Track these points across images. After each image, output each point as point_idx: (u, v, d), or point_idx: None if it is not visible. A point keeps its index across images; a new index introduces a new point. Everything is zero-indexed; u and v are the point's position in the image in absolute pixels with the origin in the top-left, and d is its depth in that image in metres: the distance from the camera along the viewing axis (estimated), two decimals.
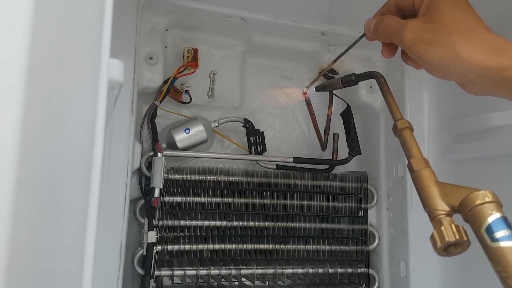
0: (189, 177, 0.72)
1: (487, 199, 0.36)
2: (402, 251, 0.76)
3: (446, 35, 0.39)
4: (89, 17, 0.29)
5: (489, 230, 0.34)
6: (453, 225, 0.37)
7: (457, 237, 0.36)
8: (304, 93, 0.78)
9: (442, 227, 0.37)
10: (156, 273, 0.68)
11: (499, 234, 0.34)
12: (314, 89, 0.67)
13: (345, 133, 0.82)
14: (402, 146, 0.44)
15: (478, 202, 0.36)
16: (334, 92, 0.82)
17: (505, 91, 0.38)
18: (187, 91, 0.77)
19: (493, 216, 0.35)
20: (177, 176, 0.71)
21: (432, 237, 0.38)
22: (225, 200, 0.73)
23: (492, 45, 0.38)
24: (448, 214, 0.38)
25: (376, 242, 0.81)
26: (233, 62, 0.82)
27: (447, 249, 0.38)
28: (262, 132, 0.78)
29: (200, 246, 0.71)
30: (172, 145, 0.72)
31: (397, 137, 0.46)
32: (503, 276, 0.33)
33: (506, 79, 0.37)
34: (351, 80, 0.57)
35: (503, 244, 0.33)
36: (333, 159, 0.81)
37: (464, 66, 0.38)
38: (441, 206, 0.38)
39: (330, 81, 0.60)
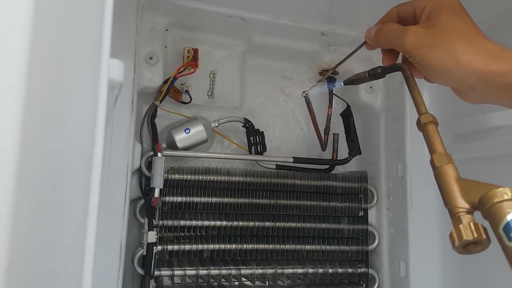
0: (189, 177, 0.72)
1: (506, 197, 0.35)
2: (402, 251, 0.76)
3: (447, 40, 0.39)
4: (89, 17, 0.29)
5: (507, 229, 0.34)
6: (472, 223, 0.36)
7: (475, 235, 0.36)
8: (304, 93, 0.78)
9: (461, 225, 0.36)
10: (156, 273, 0.68)
11: None
12: (342, 83, 0.66)
13: (345, 133, 0.82)
14: (425, 141, 0.44)
15: (496, 200, 0.35)
16: (334, 92, 0.82)
17: (503, 96, 0.39)
18: (187, 91, 0.77)
19: (511, 215, 0.34)
20: (177, 176, 0.71)
21: (451, 235, 0.37)
22: (225, 200, 0.73)
23: (491, 51, 0.38)
24: (468, 212, 0.37)
25: (376, 242, 0.81)
26: (233, 62, 0.82)
27: (466, 247, 0.37)
28: (262, 132, 0.78)
29: (200, 246, 0.71)
30: (172, 145, 0.72)
31: (420, 132, 0.45)
32: None
33: (504, 84, 0.38)
34: (378, 73, 0.56)
35: None
36: (333, 159, 0.81)
37: (465, 70, 0.39)
38: (461, 204, 0.38)
39: (357, 75, 0.60)
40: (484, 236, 0.35)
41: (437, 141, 0.43)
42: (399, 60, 0.48)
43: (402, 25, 0.45)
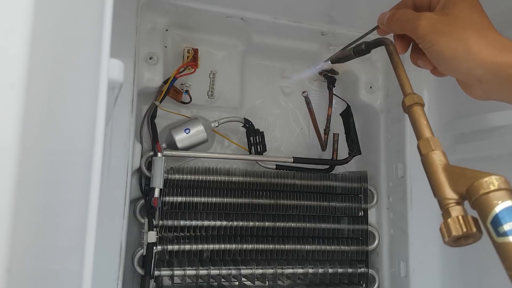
0: (189, 177, 0.72)
1: (492, 187, 0.32)
2: (402, 251, 0.76)
3: (460, 29, 0.39)
4: (89, 17, 0.29)
5: (495, 223, 0.31)
6: (460, 217, 0.34)
7: (464, 230, 0.34)
8: (304, 93, 0.78)
9: (449, 219, 0.34)
10: (156, 273, 0.68)
11: (506, 227, 0.31)
12: (329, 62, 0.63)
13: (345, 133, 0.82)
14: (411, 125, 0.41)
15: (482, 191, 0.32)
16: (334, 92, 0.82)
17: (511, 90, 0.38)
18: (187, 91, 0.77)
19: (500, 207, 0.31)
20: (177, 176, 0.71)
21: (440, 229, 0.35)
22: (225, 200, 0.73)
23: (502, 44, 0.38)
24: (458, 203, 0.35)
25: (376, 242, 0.81)
26: (233, 62, 0.81)
27: (457, 241, 0.35)
28: (262, 132, 0.78)
29: (200, 246, 0.71)
30: (172, 145, 0.72)
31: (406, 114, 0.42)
32: (510, 275, 0.30)
33: None
34: (362, 49, 0.54)
35: (508, 239, 0.30)
36: (333, 159, 0.81)
37: (474, 60, 0.38)
38: (450, 195, 0.35)
39: (343, 52, 0.58)
40: (474, 229, 0.33)
41: (422, 124, 0.40)
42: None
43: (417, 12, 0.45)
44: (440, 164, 0.37)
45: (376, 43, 0.51)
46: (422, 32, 0.41)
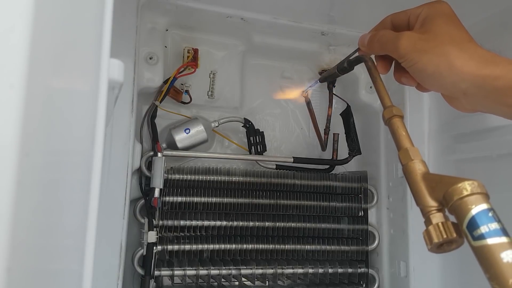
0: (189, 177, 0.72)
1: (465, 192, 0.33)
2: (402, 251, 0.76)
3: (441, 45, 0.40)
4: (89, 17, 0.29)
5: (470, 227, 0.32)
6: (440, 223, 0.35)
7: (444, 236, 0.34)
8: (304, 94, 0.78)
9: (430, 226, 0.35)
10: (156, 273, 0.68)
11: (480, 230, 0.31)
12: (319, 81, 0.67)
13: (345, 133, 0.82)
14: (392, 137, 0.42)
15: (456, 197, 0.33)
16: (334, 92, 0.82)
17: (496, 101, 0.39)
18: (187, 91, 0.77)
19: (473, 211, 0.32)
20: (177, 176, 0.71)
21: (423, 237, 0.36)
22: (225, 200, 0.73)
23: (484, 56, 0.39)
24: (439, 210, 0.36)
25: (376, 242, 0.81)
26: (233, 62, 0.82)
27: (440, 248, 0.36)
28: (262, 132, 0.78)
29: (200, 246, 0.71)
30: (172, 145, 0.72)
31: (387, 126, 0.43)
32: (487, 277, 0.30)
33: (497, 89, 0.38)
34: (345, 67, 0.56)
35: (483, 242, 0.31)
36: (333, 159, 0.81)
37: (457, 75, 0.39)
38: (429, 202, 0.36)
39: (328, 71, 0.60)
40: (454, 235, 0.34)
41: (402, 135, 0.41)
42: (392, 70, 0.48)
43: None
44: (419, 173, 0.38)
45: (357, 60, 0.53)
46: (404, 52, 0.41)
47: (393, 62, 0.47)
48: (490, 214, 0.32)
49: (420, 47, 0.40)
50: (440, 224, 0.35)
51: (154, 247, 0.68)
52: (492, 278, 0.30)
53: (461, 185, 0.33)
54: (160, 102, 0.72)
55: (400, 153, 0.40)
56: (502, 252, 0.30)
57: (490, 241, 0.31)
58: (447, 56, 0.39)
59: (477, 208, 0.32)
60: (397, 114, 0.42)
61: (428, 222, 0.36)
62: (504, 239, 0.31)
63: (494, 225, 0.31)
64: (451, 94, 0.42)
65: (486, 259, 0.30)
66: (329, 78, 0.62)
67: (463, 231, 0.32)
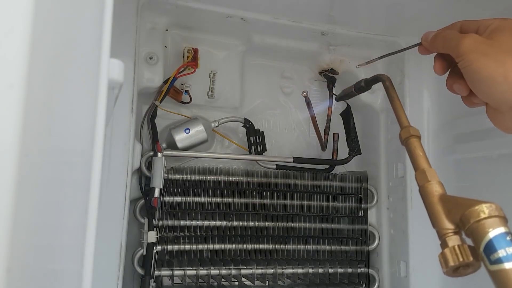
0: (189, 177, 0.72)
1: (483, 215, 0.32)
2: (402, 251, 0.76)
3: (503, 53, 0.40)
4: (89, 17, 0.29)
5: (487, 251, 0.31)
6: (456, 246, 0.34)
7: (460, 259, 0.34)
8: (304, 93, 0.78)
9: (446, 249, 0.35)
10: (156, 273, 0.68)
11: (498, 254, 0.31)
12: (335, 99, 0.67)
13: (345, 133, 0.82)
14: (409, 157, 0.42)
15: (473, 220, 0.33)
16: (334, 92, 0.82)
17: None
18: (187, 91, 0.77)
19: (490, 234, 0.31)
20: (177, 176, 0.71)
21: (439, 260, 0.35)
22: (225, 200, 0.73)
23: None
24: (455, 232, 0.35)
25: (376, 242, 0.81)
26: (233, 62, 0.81)
27: (457, 271, 0.35)
28: (262, 132, 0.78)
29: (200, 246, 0.71)
30: (172, 145, 0.72)
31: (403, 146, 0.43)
32: None
33: None
34: (362, 86, 0.56)
35: (501, 266, 0.30)
36: (333, 159, 0.81)
37: (509, 84, 0.39)
38: (446, 225, 0.36)
39: (344, 90, 0.60)
40: (470, 259, 0.33)
41: (418, 156, 0.41)
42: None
43: None
44: (436, 195, 0.38)
45: (374, 80, 0.53)
46: (464, 50, 0.41)
47: (449, 70, 0.47)
48: (508, 238, 0.31)
49: (481, 50, 0.40)
50: (456, 247, 0.34)
51: (154, 247, 0.68)
52: None
53: (478, 208, 0.33)
54: (160, 102, 0.72)
55: (417, 174, 0.40)
56: None
57: (507, 265, 0.30)
58: (504, 64, 0.39)
59: (495, 231, 0.32)
60: (414, 134, 0.42)
61: (444, 245, 0.35)
62: None
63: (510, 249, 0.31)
64: (498, 106, 0.41)
65: (503, 283, 0.30)
66: (345, 97, 0.62)
67: (480, 254, 0.32)
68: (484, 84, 0.41)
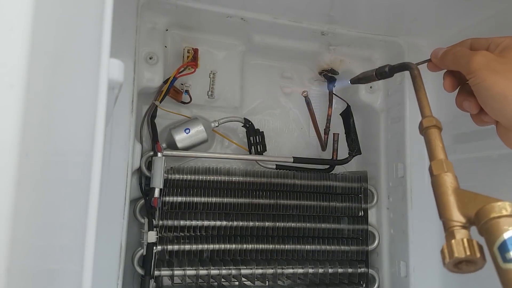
0: (189, 177, 0.72)
1: (505, 212, 0.31)
2: (402, 251, 0.76)
3: None
4: (89, 17, 0.29)
5: (503, 249, 0.30)
6: (465, 239, 0.33)
7: (468, 253, 0.33)
8: (304, 93, 0.78)
9: (453, 241, 0.33)
10: (156, 273, 0.68)
11: (511, 254, 0.30)
12: (349, 82, 0.64)
13: (345, 133, 0.82)
14: (426, 146, 0.41)
15: (493, 215, 0.32)
16: (334, 92, 0.82)
17: None
18: (187, 91, 0.77)
19: (509, 233, 0.31)
20: (177, 176, 0.71)
21: (442, 251, 0.34)
22: (225, 200, 0.73)
23: None
24: (464, 227, 0.34)
25: (376, 242, 0.81)
26: (233, 62, 0.81)
27: (458, 266, 0.34)
28: (262, 132, 0.78)
29: (200, 246, 0.71)
30: (172, 145, 0.72)
31: (422, 136, 0.42)
32: None
33: None
34: (385, 72, 0.53)
35: None
36: (333, 159, 0.81)
37: None
38: (457, 217, 0.35)
39: (364, 73, 0.57)
40: (478, 255, 0.33)
41: (438, 146, 0.40)
42: (455, 93, 0.48)
43: None
44: (450, 187, 0.37)
45: (401, 67, 0.51)
46: (475, 67, 0.41)
47: (459, 87, 0.47)
48: None
49: (492, 67, 0.40)
50: (465, 240, 0.33)
51: (154, 247, 0.68)
52: None
53: (501, 204, 0.32)
54: (160, 102, 0.72)
55: (433, 163, 0.39)
56: None
57: None
58: None
59: None
60: (437, 125, 0.41)
61: (450, 236, 0.34)
62: None
63: None
64: (509, 124, 0.41)
65: None
66: (362, 80, 0.59)
67: (493, 251, 0.31)
68: (495, 101, 0.40)
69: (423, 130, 0.42)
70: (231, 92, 0.81)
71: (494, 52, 0.43)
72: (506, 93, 0.39)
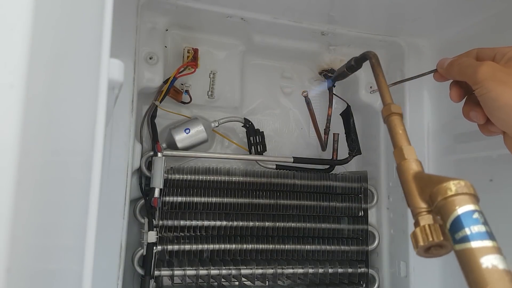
0: (189, 177, 0.72)
1: (450, 193, 0.31)
2: (402, 251, 0.76)
3: None
4: (89, 17, 0.29)
5: (453, 229, 0.30)
6: (427, 226, 0.33)
7: (431, 239, 0.32)
8: (304, 93, 0.78)
9: (417, 228, 0.33)
10: (156, 273, 0.68)
11: (462, 233, 0.29)
12: (331, 81, 0.68)
13: (345, 133, 0.82)
14: (389, 135, 0.41)
15: (440, 197, 0.31)
16: (334, 92, 0.82)
17: None
18: (187, 91, 0.77)
19: (457, 212, 0.30)
20: (177, 176, 0.71)
21: (411, 239, 0.34)
22: (225, 200, 0.73)
23: None
24: (428, 211, 0.34)
25: (376, 242, 0.81)
26: (233, 62, 0.81)
27: (428, 251, 0.33)
28: (262, 132, 0.78)
29: (200, 246, 0.71)
30: (172, 145, 0.72)
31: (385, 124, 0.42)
32: (467, 284, 0.28)
33: None
34: (352, 65, 0.56)
35: (465, 245, 0.29)
36: (333, 159, 0.81)
37: None
38: (418, 203, 0.34)
39: (338, 70, 0.61)
40: (441, 238, 0.32)
41: (398, 134, 0.40)
42: (461, 108, 0.48)
43: None
44: (411, 173, 0.36)
45: (363, 58, 0.53)
46: (481, 78, 0.41)
47: (465, 97, 0.47)
48: (475, 216, 0.30)
49: (499, 78, 0.40)
50: (427, 226, 0.33)
51: (154, 247, 0.68)
52: (470, 284, 0.28)
53: (446, 185, 0.31)
54: (160, 102, 0.72)
55: (395, 152, 0.39)
56: (483, 257, 0.28)
57: (472, 244, 0.29)
58: None
59: (461, 209, 0.30)
60: (395, 111, 0.41)
61: (416, 224, 0.34)
62: (486, 243, 0.29)
63: (478, 228, 0.29)
64: None
65: (466, 263, 0.29)
66: (339, 77, 0.62)
67: (446, 234, 0.31)
68: (501, 112, 0.40)
69: (385, 118, 0.42)
70: (231, 92, 0.81)
71: (500, 62, 0.42)
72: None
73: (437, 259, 0.75)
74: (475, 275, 0.28)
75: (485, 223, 0.30)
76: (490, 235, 0.29)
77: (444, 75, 0.48)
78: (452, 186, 0.31)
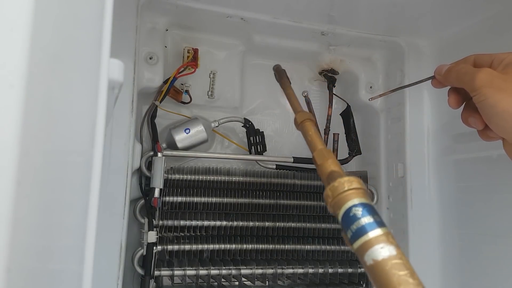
0: (189, 177, 0.72)
1: (330, 194, 0.33)
2: (402, 251, 0.76)
3: None
4: (89, 17, 0.29)
5: (344, 231, 0.32)
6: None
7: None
8: (304, 94, 0.78)
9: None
10: (156, 273, 0.68)
11: (350, 231, 0.32)
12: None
13: (345, 133, 0.82)
14: (304, 140, 0.44)
15: (329, 200, 0.34)
16: (334, 92, 0.82)
17: None
18: (187, 91, 0.77)
19: (341, 214, 0.32)
20: (177, 176, 0.71)
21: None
22: (225, 200, 0.73)
23: None
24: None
25: None
26: (233, 62, 0.81)
27: None
28: (262, 132, 0.78)
29: (200, 246, 0.71)
30: (172, 145, 0.72)
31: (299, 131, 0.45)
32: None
33: None
34: (276, 77, 0.60)
35: (355, 244, 0.31)
36: None
37: None
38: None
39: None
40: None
41: (314, 138, 0.43)
42: (461, 109, 0.48)
43: None
44: (325, 173, 0.40)
45: (277, 70, 0.59)
46: (479, 84, 0.41)
47: (464, 103, 0.47)
48: (351, 214, 0.32)
49: (496, 84, 0.40)
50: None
51: (154, 247, 0.68)
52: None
53: (330, 187, 0.34)
54: (160, 102, 0.72)
55: (315, 154, 0.41)
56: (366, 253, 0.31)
57: (358, 241, 0.32)
58: None
59: (344, 207, 0.32)
60: (309, 118, 0.44)
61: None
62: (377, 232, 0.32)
63: (364, 220, 0.32)
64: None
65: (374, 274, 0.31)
66: (280, 82, 0.65)
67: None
68: (500, 119, 0.41)
69: (299, 124, 0.45)
70: (231, 92, 0.81)
71: (497, 69, 0.43)
72: (510, 110, 0.39)
73: (437, 259, 0.75)
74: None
75: (362, 217, 0.33)
76: (373, 225, 0.33)
77: (442, 81, 0.48)
78: (333, 188, 0.34)
